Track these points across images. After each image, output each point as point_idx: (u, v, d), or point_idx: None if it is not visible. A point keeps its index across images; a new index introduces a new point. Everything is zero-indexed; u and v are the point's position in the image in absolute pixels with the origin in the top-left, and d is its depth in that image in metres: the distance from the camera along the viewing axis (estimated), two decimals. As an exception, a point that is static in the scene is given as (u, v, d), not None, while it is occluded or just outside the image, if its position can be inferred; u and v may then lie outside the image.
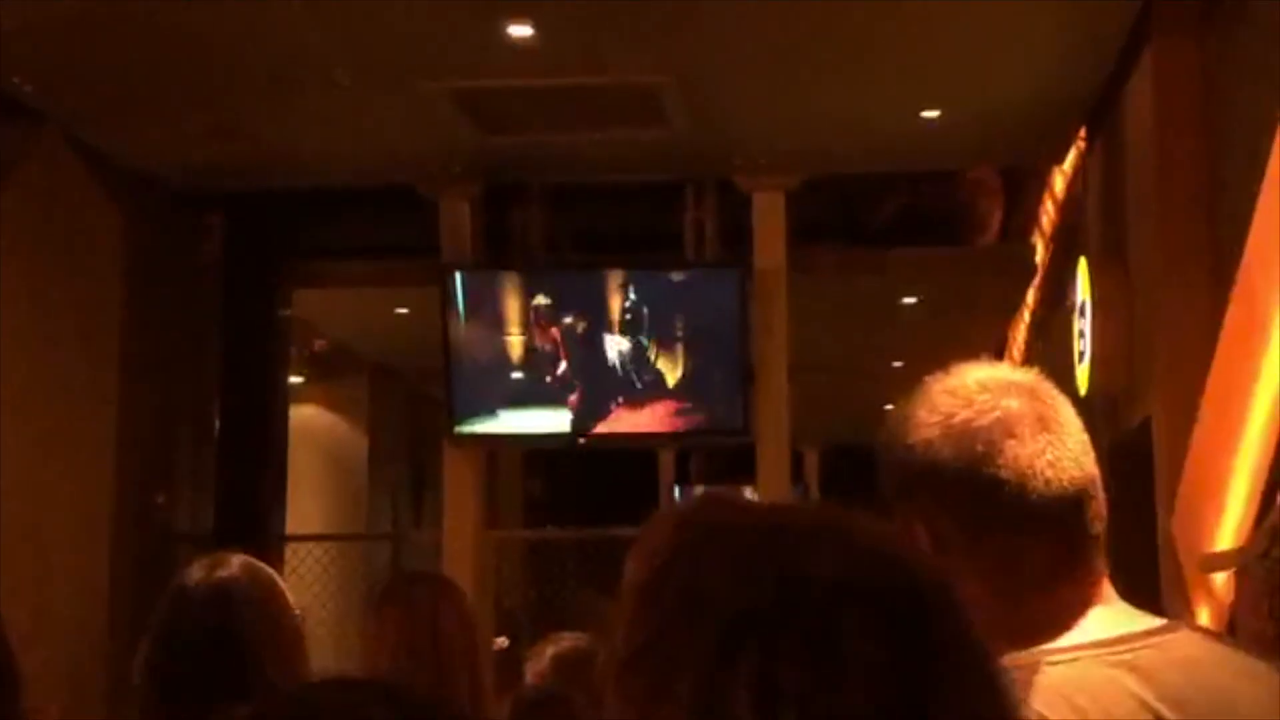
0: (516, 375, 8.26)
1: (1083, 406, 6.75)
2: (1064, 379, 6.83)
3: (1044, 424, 1.64)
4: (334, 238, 9.44)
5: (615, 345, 8.22)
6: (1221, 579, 4.37)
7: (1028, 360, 10.03)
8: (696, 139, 7.75)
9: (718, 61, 6.72)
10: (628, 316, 8.19)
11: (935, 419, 1.64)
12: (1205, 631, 1.74)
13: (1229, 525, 4.49)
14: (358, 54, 6.59)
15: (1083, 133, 7.39)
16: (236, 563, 2.61)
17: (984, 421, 1.62)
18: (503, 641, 8.46)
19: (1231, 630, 3.78)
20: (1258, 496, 4.51)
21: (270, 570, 2.70)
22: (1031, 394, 1.67)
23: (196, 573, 2.59)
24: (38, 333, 7.21)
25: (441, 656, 3.17)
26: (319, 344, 11.04)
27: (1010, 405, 1.64)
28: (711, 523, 1.08)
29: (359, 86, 6.91)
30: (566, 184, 8.52)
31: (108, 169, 7.77)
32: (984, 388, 1.65)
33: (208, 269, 8.80)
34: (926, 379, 1.70)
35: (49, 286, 7.32)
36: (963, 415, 1.63)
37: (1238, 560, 3.07)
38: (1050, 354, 7.87)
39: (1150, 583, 5.36)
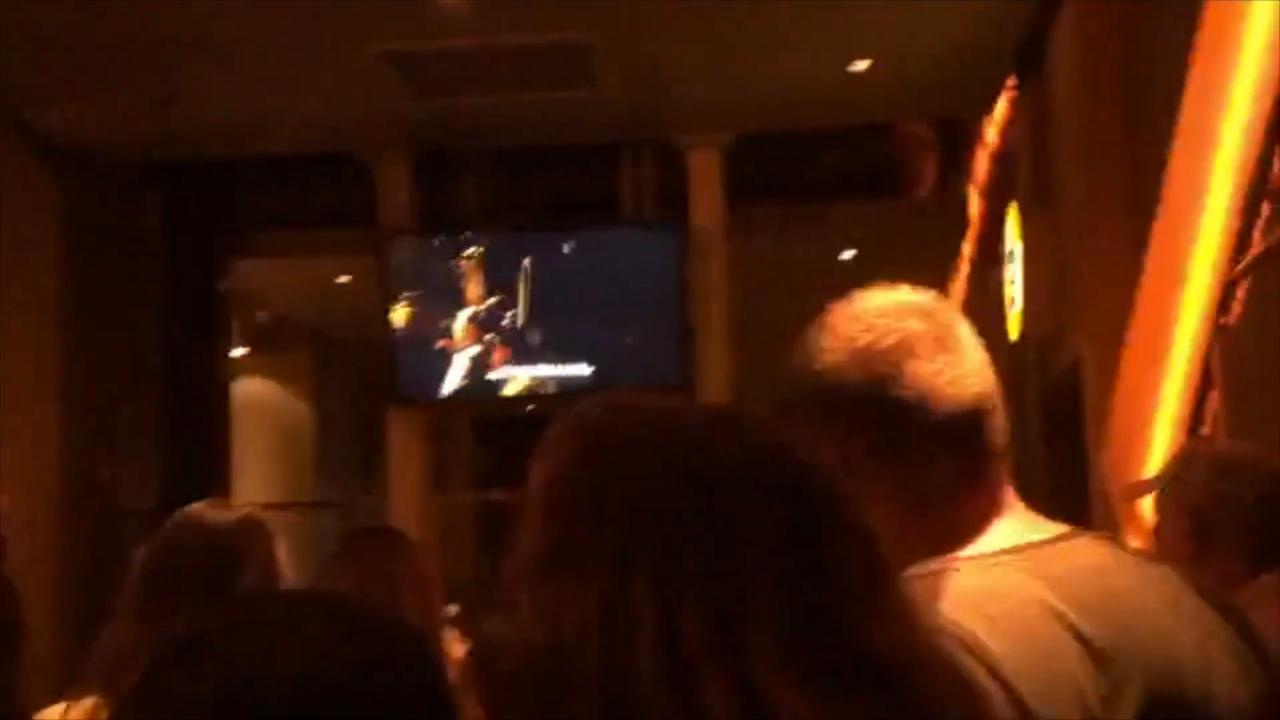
0: (459, 340, 8.30)
1: (1014, 351, 6.88)
2: (996, 325, 6.97)
3: (942, 344, 1.68)
4: (272, 208, 9.42)
5: (556, 307, 8.27)
6: (1149, 509, 4.47)
7: (965, 310, 10.11)
8: (629, 98, 7.79)
9: (646, 19, 6.76)
10: (568, 278, 8.24)
11: (839, 344, 1.69)
12: (1107, 538, 1.79)
13: (1157, 458, 4.60)
14: (290, 19, 6.59)
15: (1012, 81, 7.46)
16: (251, 508, 2.68)
17: (885, 344, 1.67)
18: (452, 609, 8.48)
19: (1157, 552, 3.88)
20: (1183, 429, 4.62)
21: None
22: (929, 315, 1.71)
23: (210, 510, 2.64)
24: (-25, 310, 7.19)
25: (396, 612, 3.17)
26: (260, 315, 11.01)
27: (910, 327, 1.68)
28: (609, 427, 1.14)
29: (292, 52, 6.91)
30: (502, 148, 8.54)
31: (43, 145, 7.75)
32: (883, 312, 1.70)
33: (146, 242, 8.78)
34: (829, 307, 1.75)
35: (-15, 263, 7.31)
36: (865, 339, 1.68)
37: (1156, 485, 3.16)
38: (984, 302, 7.97)
39: (1083, 519, 5.47)
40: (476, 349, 8.30)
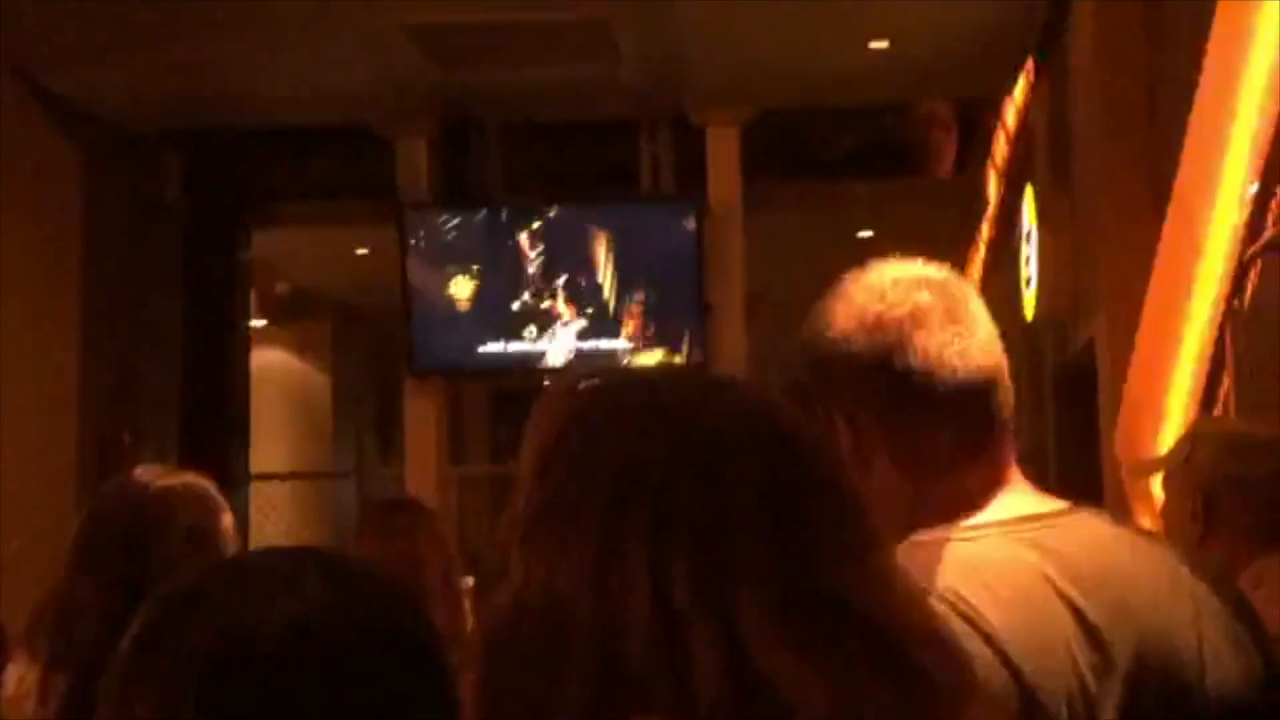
0: (475, 313, 8.34)
1: (1029, 331, 6.89)
2: (1012, 306, 6.99)
3: (952, 316, 1.70)
4: (293, 178, 9.45)
5: (571, 282, 8.30)
6: (1159, 491, 4.50)
7: (982, 291, 10.10)
8: (649, 73, 7.80)
9: (667, -7, 6.78)
10: (583, 253, 8.27)
11: (851, 312, 1.72)
12: (1105, 514, 1.82)
13: (1167, 438, 4.62)
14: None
15: (1031, 63, 7.46)
16: (190, 477, 2.66)
17: (896, 314, 1.69)
18: (468, 581, 8.54)
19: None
20: (1194, 409, 4.64)
21: (217, 497, 2.70)
22: (941, 288, 1.73)
23: (143, 475, 2.64)
24: (-2, 277, 7.24)
25: (419, 586, 3.16)
26: (281, 287, 11.07)
27: (921, 299, 1.70)
28: (601, 391, 1.17)
29: (315, 22, 6.94)
30: (522, 122, 8.57)
31: (65, 111, 7.78)
32: (896, 282, 1.72)
33: (167, 210, 8.83)
34: (843, 276, 1.77)
35: (8, 231, 7.34)
36: (876, 309, 1.70)
37: (1163, 465, 3.18)
38: (1001, 283, 7.99)
39: (1095, 499, 5.48)
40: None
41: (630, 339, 8.27)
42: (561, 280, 8.29)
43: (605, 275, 8.26)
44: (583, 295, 8.28)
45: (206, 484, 2.66)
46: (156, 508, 2.55)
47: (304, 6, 6.76)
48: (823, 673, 1.02)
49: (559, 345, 8.30)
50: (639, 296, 8.25)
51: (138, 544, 2.49)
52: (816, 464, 1.12)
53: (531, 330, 8.33)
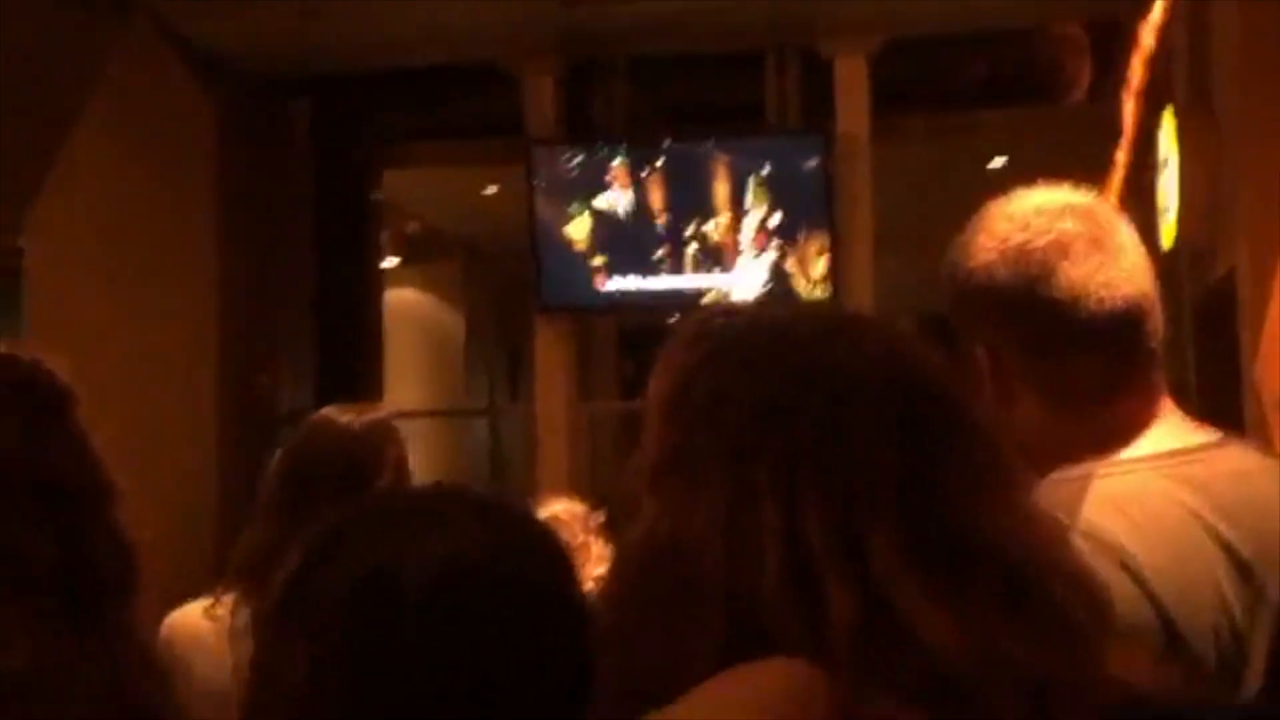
0: (602, 250, 8.35)
1: (1167, 260, 6.74)
2: (1149, 234, 6.83)
3: (1098, 244, 1.67)
4: (421, 118, 9.50)
5: (700, 217, 8.27)
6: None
7: (1119, 219, 9.89)
8: (776, 5, 7.71)
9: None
10: (712, 188, 8.23)
11: (993, 243, 1.70)
12: (1256, 446, 1.78)
13: (1312, 369, 4.52)
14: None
15: (1168, -18, 7.27)
16: (385, 412, 2.71)
17: (1039, 244, 1.67)
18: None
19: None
20: (1340, 339, 4.53)
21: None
22: (1087, 216, 1.70)
23: (344, 413, 2.68)
24: (135, 223, 7.37)
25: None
26: (411, 226, 11.17)
27: (1065, 227, 1.68)
28: (728, 334, 1.16)
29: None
30: (648, 56, 8.52)
31: (197, 56, 7.88)
32: (1040, 211, 1.70)
33: (298, 154, 8.92)
34: (986, 205, 1.74)
35: (144, 176, 7.48)
36: (1019, 238, 1.68)
37: (1310, 395, 3.10)
38: (1138, 211, 7.84)
39: (1236, 430, 5.37)
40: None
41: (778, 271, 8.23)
42: (680, 217, 8.26)
43: (749, 208, 8.21)
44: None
45: (393, 418, 2.71)
46: (369, 443, 2.59)
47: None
48: (956, 612, 1.01)
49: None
50: (776, 229, 8.20)
51: (351, 483, 2.52)
52: (947, 401, 1.11)
53: (654, 269, 8.30)
